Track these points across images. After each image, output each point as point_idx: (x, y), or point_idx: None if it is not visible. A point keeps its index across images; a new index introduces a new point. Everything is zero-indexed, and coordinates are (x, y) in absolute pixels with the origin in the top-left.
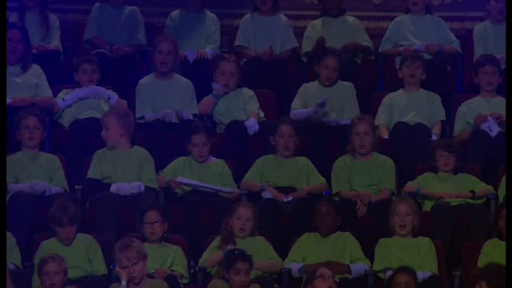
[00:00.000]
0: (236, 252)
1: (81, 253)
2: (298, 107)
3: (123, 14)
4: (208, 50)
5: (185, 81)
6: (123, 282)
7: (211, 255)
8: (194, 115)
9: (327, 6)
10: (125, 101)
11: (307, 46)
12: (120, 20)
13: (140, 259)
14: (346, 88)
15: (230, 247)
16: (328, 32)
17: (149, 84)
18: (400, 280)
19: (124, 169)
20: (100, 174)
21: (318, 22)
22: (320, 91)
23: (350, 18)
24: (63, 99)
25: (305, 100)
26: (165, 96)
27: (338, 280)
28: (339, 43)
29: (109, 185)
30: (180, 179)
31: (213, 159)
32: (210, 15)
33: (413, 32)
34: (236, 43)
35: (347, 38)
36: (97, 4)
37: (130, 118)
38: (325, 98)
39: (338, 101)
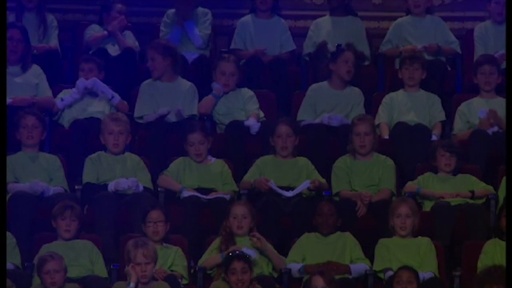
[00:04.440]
0: (232, 253)
1: (83, 253)
2: (307, 117)
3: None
4: (197, 34)
5: (188, 84)
6: (132, 284)
7: (210, 257)
8: (194, 115)
9: (334, 4)
10: (126, 103)
11: (308, 48)
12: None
13: (153, 259)
14: (355, 93)
15: (229, 249)
16: (331, 31)
17: (152, 85)
18: (403, 276)
19: (120, 174)
20: (97, 179)
21: (321, 21)
22: (330, 95)
23: (358, 20)
24: (61, 99)
25: (313, 106)
26: (167, 98)
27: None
28: (340, 42)
29: (106, 186)
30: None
31: (213, 159)
32: (200, 10)
33: (413, 35)
34: (232, 46)
35: (350, 38)
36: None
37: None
38: (336, 123)
39: (347, 105)
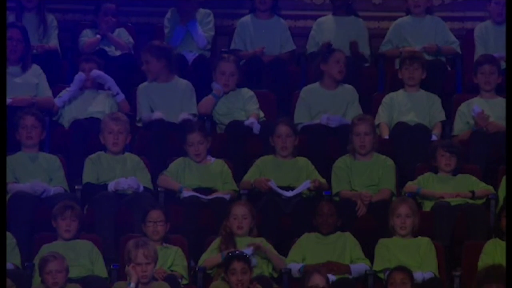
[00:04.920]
0: (232, 253)
1: (83, 253)
2: (303, 120)
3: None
4: (200, 33)
5: (184, 82)
6: (132, 285)
7: (210, 257)
8: (194, 115)
9: (337, 4)
10: (127, 102)
11: (312, 47)
12: None
13: (154, 260)
14: (348, 91)
15: (228, 251)
16: (333, 31)
17: (149, 87)
18: (396, 278)
19: (120, 174)
20: (96, 179)
21: (324, 20)
22: (323, 96)
23: (360, 21)
24: (59, 97)
25: (308, 109)
26: (165, 98)
27: (336, 279)
28: (343, 43)
29: (106, 186)
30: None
31: (213, 159)
32: (202, 11)
33: (413, 35)
34: (232, 46)
35: (352, 39)
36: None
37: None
38: (335, 123)
39: (341, 104)
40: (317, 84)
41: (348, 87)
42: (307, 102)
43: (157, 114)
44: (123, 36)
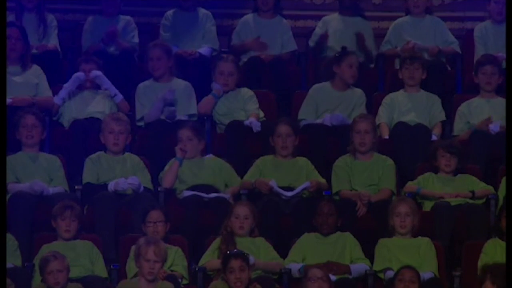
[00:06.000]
0: (230, 252)
1: (83, 253)
2: (308, 117)
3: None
4: (206, 49)
5: (183, 83)
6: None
7: (211, 261)
8: (192, 115)
9: (344, 4)
10: (127, 103)
11: (313, 42)
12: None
13: (163, 259)
14: (357, 94)
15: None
16: (338, 30)
17: (148, 87)
18: (405, 275)
19: (120, 174)
20: (97, 179)
21: (330, 18)
22: (332, 96)
23: (367, 23)
24: (57, 96)
25: (315, 106)
26: None
27: (336, 279)
28: (348, 42)
29: (106, 186)
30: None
31: (209, 155)
32: (204, 11)
33: (412, 35)
34: (233, 43)
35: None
36: (90, 18)
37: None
38: (338, 121)
39: (348, 106)
40: (328, 83)
41: (357, 90)
42: (315, 99)
43: (169, 94)
44: (129, 29)
